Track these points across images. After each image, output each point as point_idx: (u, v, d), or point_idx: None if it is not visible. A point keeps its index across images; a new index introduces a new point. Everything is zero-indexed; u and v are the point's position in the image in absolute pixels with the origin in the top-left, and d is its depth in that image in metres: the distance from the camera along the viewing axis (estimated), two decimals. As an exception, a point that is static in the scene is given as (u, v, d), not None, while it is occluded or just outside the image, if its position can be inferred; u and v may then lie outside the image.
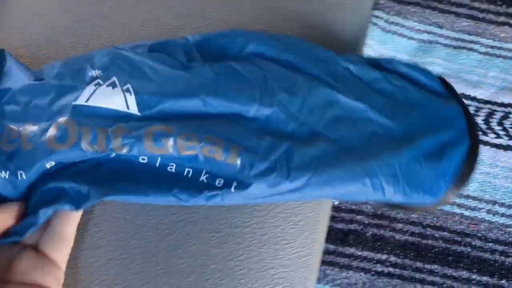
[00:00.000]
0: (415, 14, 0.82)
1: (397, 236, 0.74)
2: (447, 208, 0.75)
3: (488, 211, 0.75)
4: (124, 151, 0.29)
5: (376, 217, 0.74)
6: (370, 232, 0.74)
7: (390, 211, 0.74)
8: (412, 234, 0.74)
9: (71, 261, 0.30)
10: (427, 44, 0.81)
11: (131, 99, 0.30)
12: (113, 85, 0.31)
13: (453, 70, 0.80)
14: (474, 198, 0.76)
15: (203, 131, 0.30)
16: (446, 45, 0.81)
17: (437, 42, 0.81)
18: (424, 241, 0.73)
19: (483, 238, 0.74)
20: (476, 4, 0.83)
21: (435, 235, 0.74)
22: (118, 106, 0.30)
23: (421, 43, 0.81)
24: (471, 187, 0.75)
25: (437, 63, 0.80)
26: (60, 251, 0.30)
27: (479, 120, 0.78)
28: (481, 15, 0.82)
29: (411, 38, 0.81)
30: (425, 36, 0.81)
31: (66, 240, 0.30)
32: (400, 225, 0.74)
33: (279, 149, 0.30)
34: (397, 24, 0.81)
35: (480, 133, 0.77)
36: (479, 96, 0.79)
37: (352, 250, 0.72)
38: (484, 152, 0.77)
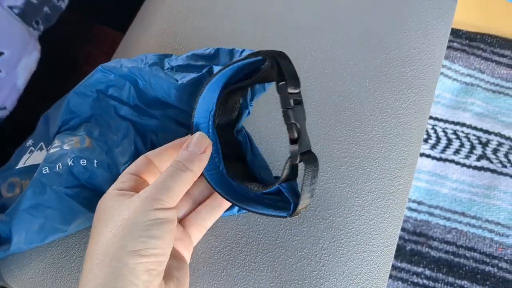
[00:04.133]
0: (460, 59, 0.86)
1: (432, 253, 0.76)
2: (479, 232, 0.78)
3: (515, 238, 0.77)
4: None
5: (415, 234, 0.77)
6: (409, 247, 0.76)
7: (428, 230, 0.78)
8: (446, 252, 0.77)
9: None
10: (469, 86, 0.84)
11: None
12: None
13: (490, 111, 0.83)
14: (503, 225, 0.79)
15: None
16: (485, 89, 0.84)
17: (478, 86, 0.84)
18: (456, 259, 0.76)
19: (509, 261, 0.77)
20: (515, 56, 0.87)
21: (467, 254, 0.77)
22: None
23: (463, 85, 0.84)
24: (502, 216, 0.78)
25: (477, 104, 0.82)
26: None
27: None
28: (519, 66, 0.86)
29: (455, 79, 0.85)
30: (468, 79, 0.85)
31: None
32: (435, 243, 0.77)
33: None
34: (444, 66, 0.84)
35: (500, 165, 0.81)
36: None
37: (392, 261, 0.76)
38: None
